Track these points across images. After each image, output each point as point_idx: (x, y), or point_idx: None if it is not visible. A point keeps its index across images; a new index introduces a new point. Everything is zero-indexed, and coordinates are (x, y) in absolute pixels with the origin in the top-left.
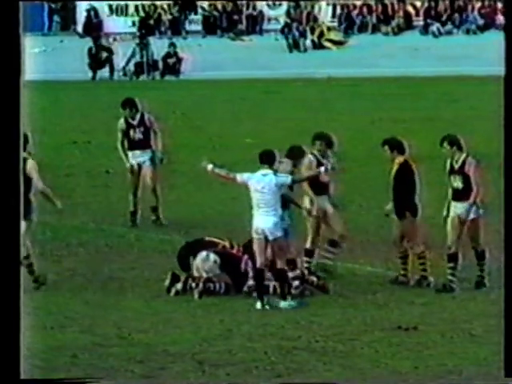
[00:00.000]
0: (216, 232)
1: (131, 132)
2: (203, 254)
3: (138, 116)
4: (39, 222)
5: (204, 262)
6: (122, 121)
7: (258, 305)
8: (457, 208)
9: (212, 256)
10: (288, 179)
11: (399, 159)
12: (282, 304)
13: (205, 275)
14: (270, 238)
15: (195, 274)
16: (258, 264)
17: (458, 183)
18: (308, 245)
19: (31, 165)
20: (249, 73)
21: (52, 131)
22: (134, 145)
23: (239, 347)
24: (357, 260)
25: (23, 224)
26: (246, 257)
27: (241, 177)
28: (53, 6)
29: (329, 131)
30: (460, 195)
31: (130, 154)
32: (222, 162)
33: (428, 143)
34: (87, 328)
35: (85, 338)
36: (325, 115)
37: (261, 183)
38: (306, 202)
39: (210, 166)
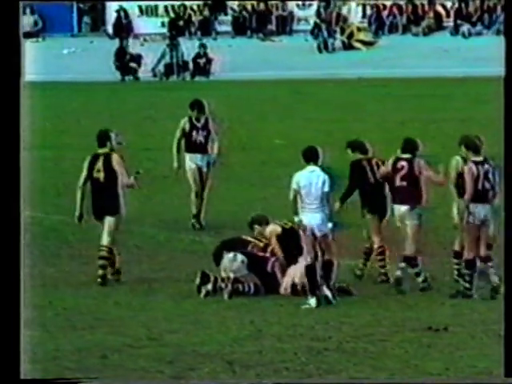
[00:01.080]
0: (245, 233)
1: (194, 133)
2: (230, 254)
3: (203, 119)
4: (69, 223)
5: (231, 263)
6: (185, 120)
7: (313, 302)
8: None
9: (239, 256)
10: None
11: (355, 158)
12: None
13: (232, 275)
14: (318, 234)
15: (223, 274)
16: (308, 260)
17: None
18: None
19: (116, 159)
20: (278, 73)
21: (82, 133)
22: (195, 147)
23: (269, 348)
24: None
25: (111, 219)
26: (273, 259)
27: (296, 184)
28: (82, 6)
29: (358, 132)
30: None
31: (188, 155)
32: (251, 163)
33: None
34: (117, 329)
35: (114, 339)
36: (354, 116)
37: (308, 180)
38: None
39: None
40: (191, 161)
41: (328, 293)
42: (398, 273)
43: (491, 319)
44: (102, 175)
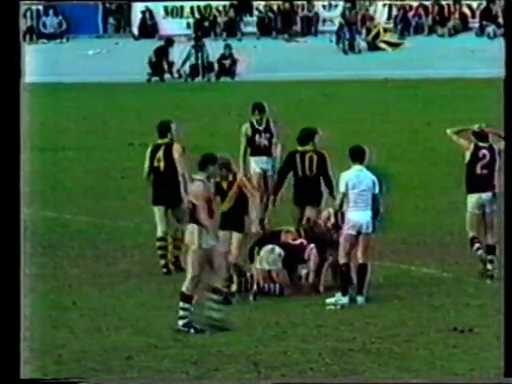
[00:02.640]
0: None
1: (257, 137)
2: (269, 246)
3: (264, 121)
4: (94, 224)
5: (269, 254)
6: (247, 125)
7: (346, 300)
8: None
9: (277, 249)
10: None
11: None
12: (359, 299)
13: (267, 267)
14: (364, 231)
15: (258, 266)
16: (343, 260)
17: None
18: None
19: (177, 148)
20: (304, 74)
21: (108, 133)
22: (259, 151)
23: (294, 348)
24: (412, 261)
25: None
26: (310, 246)
27: (345, 185)
28: (108, 5)
29: (384, 133)
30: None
31: (253, 159)
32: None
33: None
34: (142, 329)
35: (140, 340)
36: (381, 117)
37: (358, 179)
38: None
39: None
40: (256, 164)
41: (360, 299)
42: (489, 266)
43: None
44: (162, 164)
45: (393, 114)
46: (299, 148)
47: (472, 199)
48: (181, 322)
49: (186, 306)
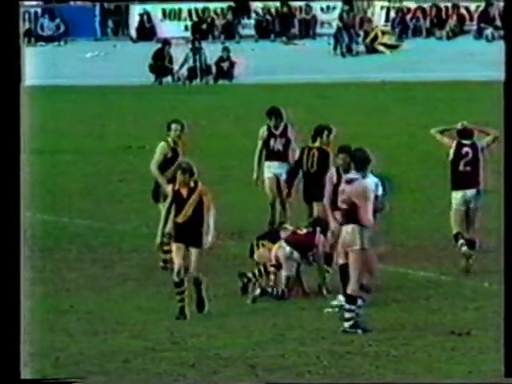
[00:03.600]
0: None
1: (271, 142)
2: (287, 250)
3: (281, 126)
4: (92, 228)
5: (288, 260)
6: (264, 129)
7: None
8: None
9: (295, 254)
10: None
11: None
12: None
13: (285, 274)
14: None
15: (273, 261)
16: (341, 261)
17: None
18: None
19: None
20: (302, 77)
21: (106, 136)
22: (273, 155)
23: (292, 351)
24: (410, 265)
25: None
26: (317, 231)
27: None
28: (106, 6)
29: (382, 136)
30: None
31: (266, 164)
32: None
33: None
34: (139, 333)
35: (137, 343)
36: (378, 119)
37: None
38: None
39: None
40: (268, 169)
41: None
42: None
43: None
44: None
45: (391, 116)
46: (308, 144)
47: (457, 196)
48: (347, 324)
49: (353, 307)
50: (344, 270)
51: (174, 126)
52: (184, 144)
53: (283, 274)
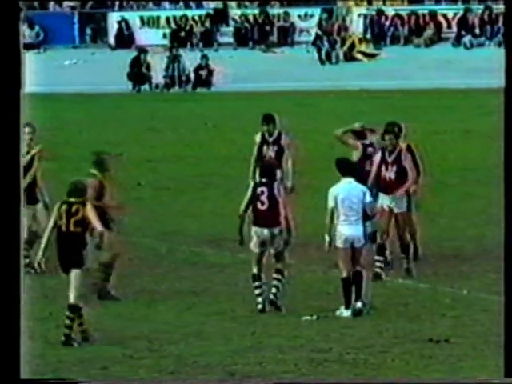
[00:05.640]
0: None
1: (264, 148)
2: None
3: (275, 133)
4: None
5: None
6: (258, 136)
7: (348, 313)
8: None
9: None
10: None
11: None
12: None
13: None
14: (357, 245)
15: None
16: (345, 274)
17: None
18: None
19: None
20: (281, 85)
21: (83, 144)
22: None
23: (270, 359)
24: (388, 272)
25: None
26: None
27: (334, 199)
28: (84, 13)
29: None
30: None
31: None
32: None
33: (462, 155)
34: (118, 340)
35: (116, 350)
36: None
37: (348, 192)
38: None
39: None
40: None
41: (359, 304)
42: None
43: (492, 331)
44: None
45: (369, 124)
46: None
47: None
48: None
49: None
50: (347, 281)
51: (26, 129)
52: (41, 150)
53: None
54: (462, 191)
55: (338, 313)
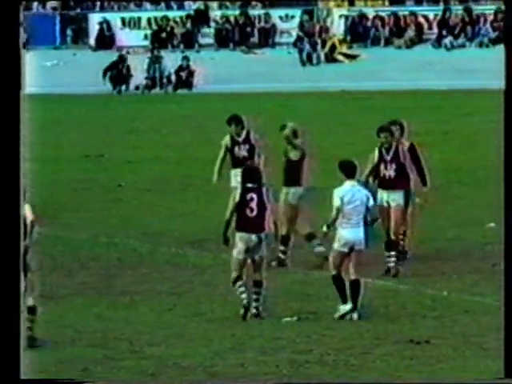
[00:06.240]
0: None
1: (236, 149)
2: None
3: (243, 133)
4: (49, 236)
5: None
6: (227, 137)
7: (348, 307)
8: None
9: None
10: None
11: None
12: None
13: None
14: (356, 248)
15: None
16: (334, 272)
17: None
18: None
19: None
20: (262, 86)
21: (64, 145)
22: (239, 163)
23: (251, 360)
24: (369, 274)
25: None
26: None
27: (340, 200)
28: (66, 14)
29: (342, 145)
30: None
31: (233, 172)
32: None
33: (443, 156)
34: (99, 342)
35: (96, 352)
36: (338, 129)
37: (352, 194)
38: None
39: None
40: (234, 177)
41: (355, 315)
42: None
43: (473, 332)
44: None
45: (351, 125)
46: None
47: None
48: None
49: None
50: (337, 279)
51: None
52: None
53: None
54: (444, 192)
55: (338, 312)
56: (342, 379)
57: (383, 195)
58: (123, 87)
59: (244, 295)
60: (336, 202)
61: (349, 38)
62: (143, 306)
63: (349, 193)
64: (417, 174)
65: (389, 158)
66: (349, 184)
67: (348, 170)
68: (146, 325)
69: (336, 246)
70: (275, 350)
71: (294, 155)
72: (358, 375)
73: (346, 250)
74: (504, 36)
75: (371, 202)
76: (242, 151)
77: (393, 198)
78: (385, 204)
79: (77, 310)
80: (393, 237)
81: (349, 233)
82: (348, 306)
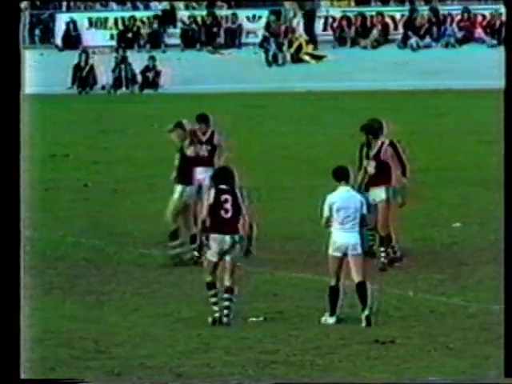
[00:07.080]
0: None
1: (198, 147)
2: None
3: (208, 132)
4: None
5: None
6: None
7: (332, 320)
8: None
9: None
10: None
11: None
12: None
13: None
14: (350, 253)
15: None
16: (333, 282)
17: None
18: None
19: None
20: (228, 86)
21: (30, 144)
22: (197, 161)
23: (217, 360)
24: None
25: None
26: None
27: (330, 206)
28: (34, 17)
29: (309, 145)
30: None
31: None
32: None
33: (410, 157)
34: (65, 341)
35: (62, 352)
36: (305, 129)
37: (345, 200)
38: None
39: None
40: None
41: (367, 312)
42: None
43: (439, 332)
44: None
45: (318, 126)
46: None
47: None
48: None
49: None
50: (334, 290)
51: None
52: None
53: None
54: (410, 192)
55: (322, 319)
56: (307, 379)
57: (368, 193)
58: (88, 88)
59: (215, 307)
60: (325, 212)
61: (314, 38)
62: (109, 305)
63: (340, 199)
64: (400, 167)
65: (370, 155)
66: (342, 190)
67: (340, 175)
68: (112, 325)
69: (330, 250)
70: (241, 350)
71: (190, 151)
72: (324, 375)
73: (338, 254)
74: (504, 36)
75: (365, 210)
76: (202, 150)
77: (376, 194)
78: (370, 201)
79: (43, 309)
80: (382, 233)
81: (341, 237)
82: (332, 320)
